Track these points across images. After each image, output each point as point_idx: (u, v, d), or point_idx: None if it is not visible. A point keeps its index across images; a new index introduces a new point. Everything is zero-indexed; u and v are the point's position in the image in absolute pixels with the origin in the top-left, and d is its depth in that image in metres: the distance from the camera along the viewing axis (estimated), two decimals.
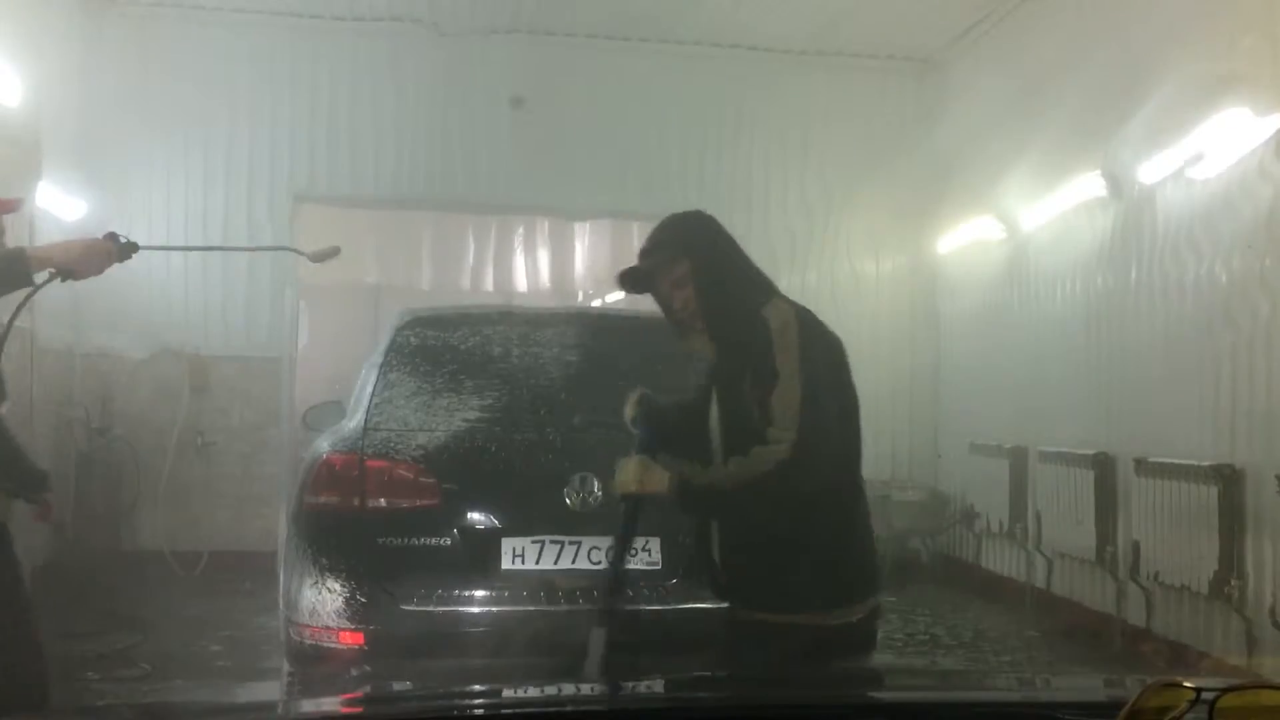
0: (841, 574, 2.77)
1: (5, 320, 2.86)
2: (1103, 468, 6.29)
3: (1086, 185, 6.68)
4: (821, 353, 2.79)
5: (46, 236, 6.24)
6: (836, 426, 2.83)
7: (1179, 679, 1.11)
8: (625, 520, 2.90)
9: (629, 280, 2.92)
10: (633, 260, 2.94)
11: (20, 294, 2.85)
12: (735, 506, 2.72)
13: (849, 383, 2.95)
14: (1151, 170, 6.06)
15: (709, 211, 2.98)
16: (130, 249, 2.98)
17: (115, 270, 2.93)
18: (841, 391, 2.91)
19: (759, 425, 2.63)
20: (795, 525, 2.70)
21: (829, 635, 2.64)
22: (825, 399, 2.75)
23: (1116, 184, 6.42)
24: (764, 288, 2.87)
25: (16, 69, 4.92)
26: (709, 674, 3.41)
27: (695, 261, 2.80)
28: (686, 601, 3.87)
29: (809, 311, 2.80)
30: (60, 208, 7.02)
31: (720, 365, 2.84)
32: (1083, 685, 2.10)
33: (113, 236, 2.96)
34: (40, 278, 2.87)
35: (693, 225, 2.92)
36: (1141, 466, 5.88)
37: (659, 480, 2.79)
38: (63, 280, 2.88)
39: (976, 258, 8.38)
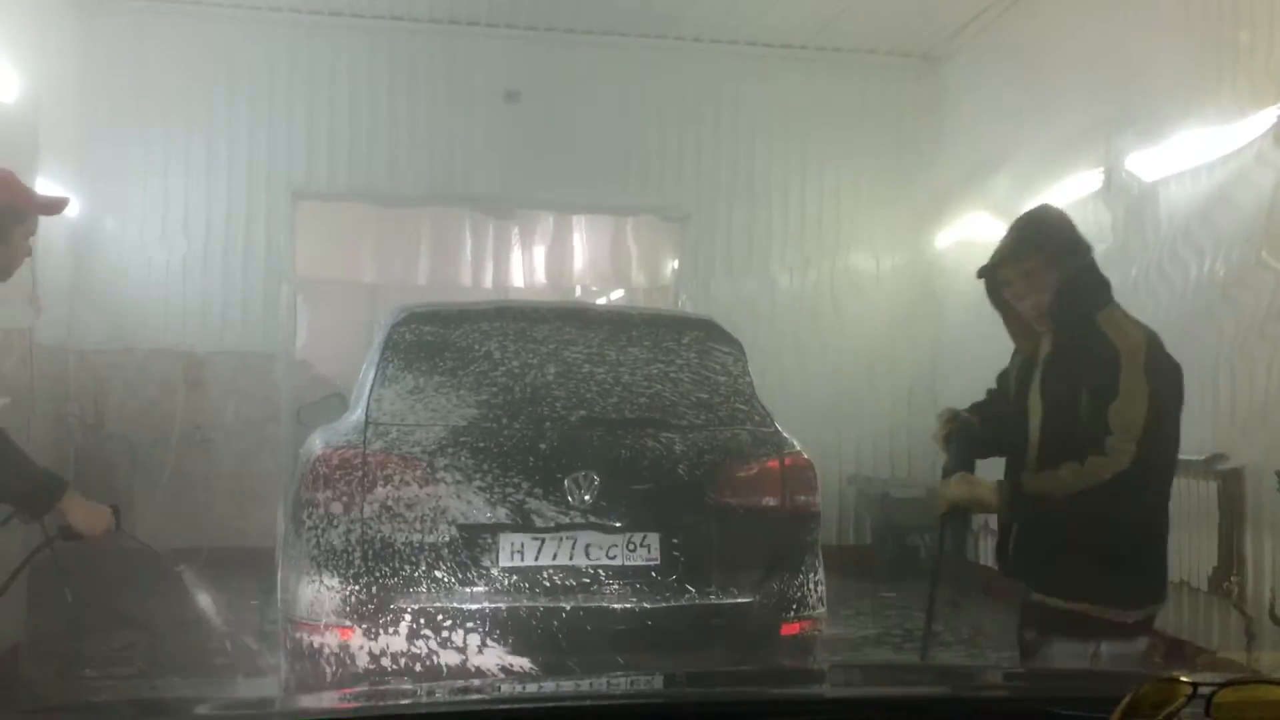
0: (1144, 577, 2.87)
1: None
2: None
3: (1086, 180, 6.68)
4: (1168, 374, 2.85)
5: (45, 233, 6.23)
6: (1173, 445, 2.86)
7: (1176, 674, 1.11)
8: (945, 539, 3.17)
9: (987, 275, 2.99)
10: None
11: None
12: (1059, 511, 2.78)
13: (1179, 406, 2.92)
14: (1151, 165, 6.06)
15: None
16: (118, 518, 3.00)
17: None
18: (1176, 413, 2.90)
19: (1094, 434, 2.70)
20: (1112, 528, 2.76)
21: (1122, 631, 2.78)
22: (1166, 418, 2.80)
23: (1116, 179, 6.42)
24: (1107, 294, 2.93)
25: (14, 65, 4.91)
26: (706, 670, 3.41)
27: (1058, 264, 2.86)
28: (685, 598, 3.87)
29: (1154, 332, 2.89)
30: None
31: (1054, 369, 2.88)
32: (1080, 681, 2.10)
33: (115, 511, 2.99)
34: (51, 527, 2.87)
35: (1056, 227, 2.96)
36: None
37: (987, 493, 2.87)
38: (65, 539, 2.88)
39: (977, 254, 8.34)
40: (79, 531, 2.89)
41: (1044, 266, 2.87)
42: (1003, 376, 3.22)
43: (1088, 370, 2.77)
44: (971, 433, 3.06)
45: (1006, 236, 2.99)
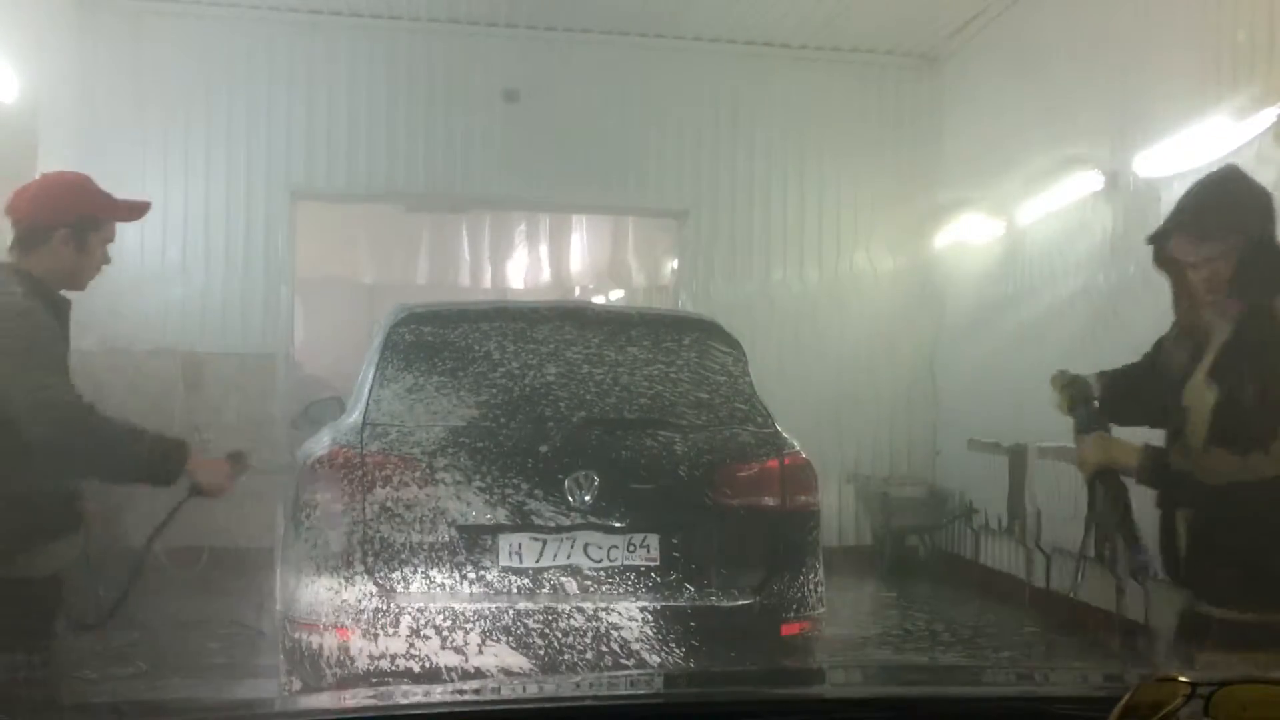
0: None
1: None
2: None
3: (1087, 179, 6.68)
4: None
5: None
6: None
7: (1175, 674, 1.11)
8: (1096, 505, 2.71)
9: (1157, 241, 2.70)
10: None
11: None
12: (1216, 498, 2.54)
13: None
14: (1151, 163, 6.06)
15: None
16: (245, 466, 3.02)
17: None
18: None
19: (1262, 428, 2.45)
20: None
21: None
22: None
23: (1116, 178, 6.43)
24: None
25: (13, 65, 4.92)
26: (706, 670, 3.42)
27: (1247, 240, 2.56)
28: (684, 598, 3.87)
29: None
30: None
31: (1231, 352, 2.58)
32: (1080, 680, 2.10)
33: (236, 456, 2.99)
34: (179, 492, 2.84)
35: (1247, 197, 2.65)
36: None
37: (1128, 453, 2.63)
38: (190, 496, 2.86)
39: (976, 253, 8.38)
40: (207, 490, 2.86)
41: (1225, 234, 2.56)
42: (1157, 347, 2.89)
43: (1262, 353, 2.49)
44: (1089, 394, 2.84)
45: (1186, 197, 2.69)
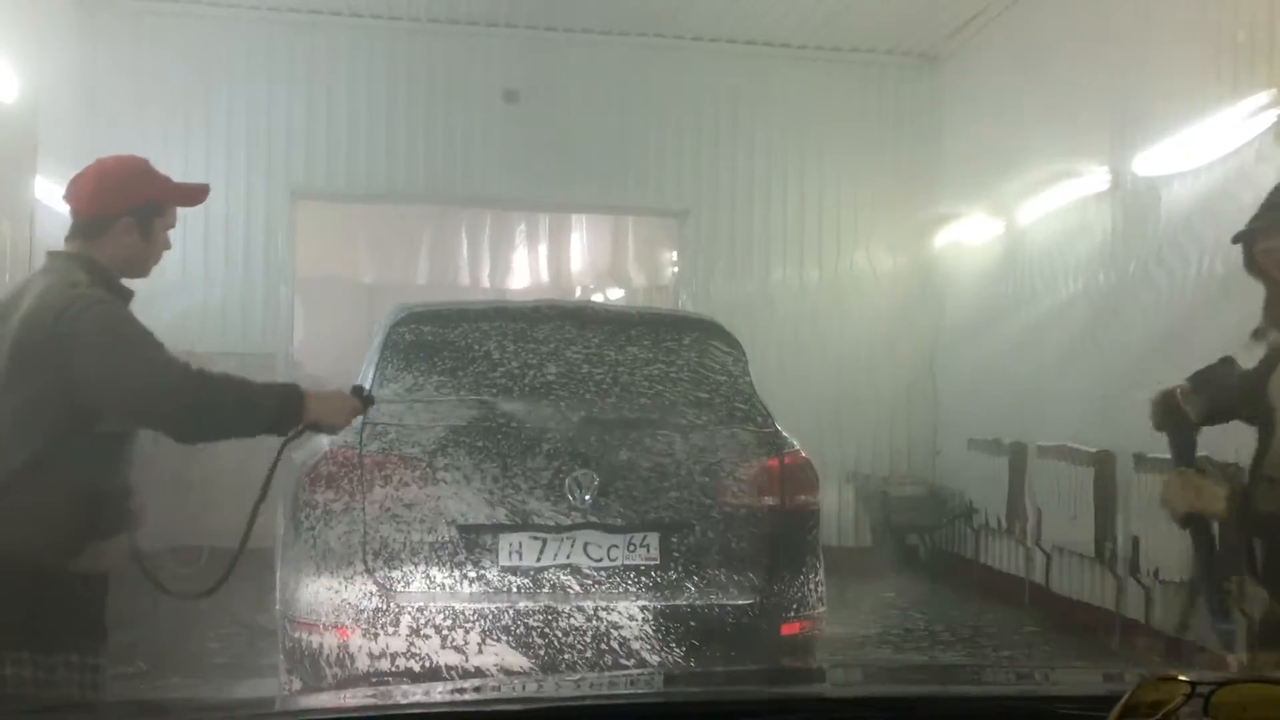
0: None
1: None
2: (1103, 464, 6.28)
3: (1087, 179, 6.69)
4: None
5: (46, 231, 6.23)
6: None
7: (1174, 673, 1.11)
8: (1200, 549, 2.58)
9: (1245, 240, 2.63)
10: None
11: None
12: None
13: None
14: (1152, 163, 6.07)
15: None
16: (370, 401, 2.92)
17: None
18: None
19: None
20: None
21: None
22: None
23: (1117, 177, 6.43)
24: None
25: (13, 64, 4.92)
26: (706, 669, 3.41)
27: None
28: (684, 597, 3.88)
29: None
30: (59, 203, 7.02)
31: None
32: (1080, 679, 2.10)
33: (358, 391, 2.87)
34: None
35: None
36: (1141, 462, 5.87)
37: (1214, 499, 2.51)
38: (306, 431, 2.74)
39: (976, 253, 8.38)
40: (326, 426, 2.75)
41: None
42: (1254, 342, 2.78)
43: None
44: (1186, 419, 2.69)
45: (1275, 193, 2.62)
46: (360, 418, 3.86)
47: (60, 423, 2.43)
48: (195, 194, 2.83)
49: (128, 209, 2.63)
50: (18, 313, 2.51)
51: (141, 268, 2.76)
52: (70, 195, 2.68)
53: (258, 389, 2.64)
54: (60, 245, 2.76)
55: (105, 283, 2.59)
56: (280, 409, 2.63)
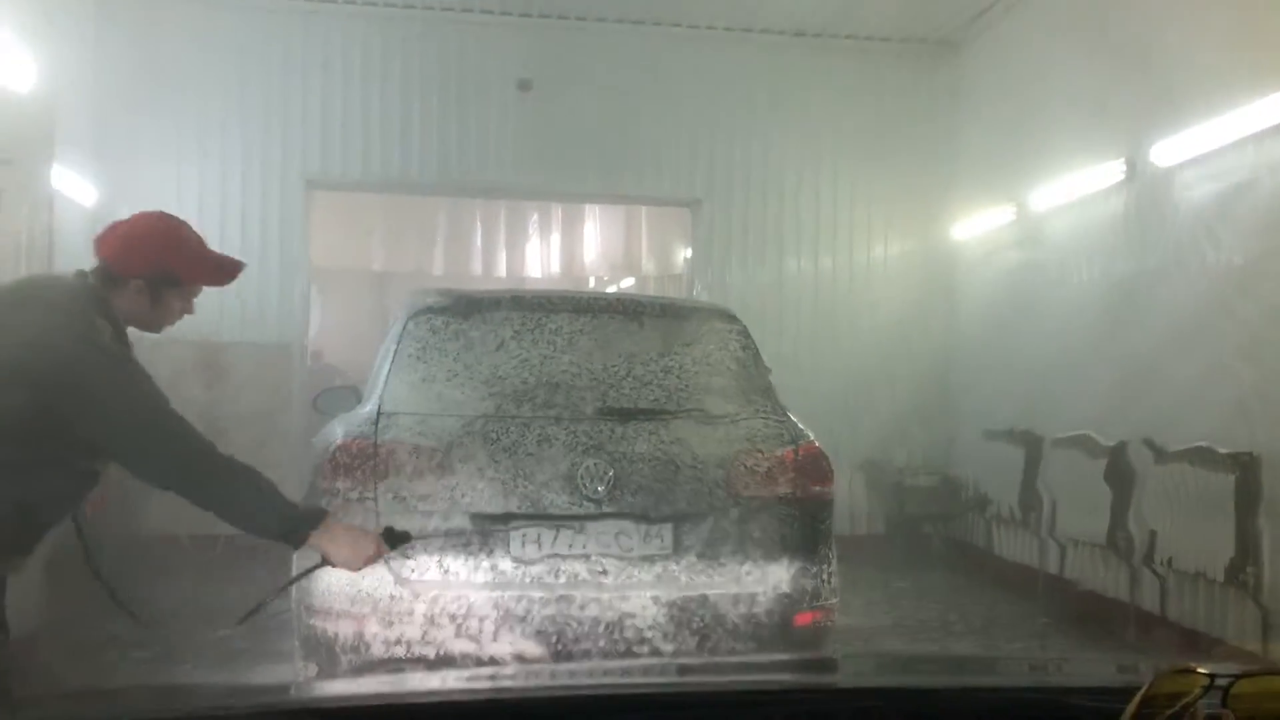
0: None
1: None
2: (1119, 454, 6.25)
3: (1105, 168, 6.64)
4: None
5: (63, 219, 6.25)
6: None
7: (1192, 665, 1.10)
8: None
9: None
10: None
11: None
12: None
13: None
14: (1170, 152, 6.02)
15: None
16: (404, 539, 2.74)
17: None
18: None
19: None
20: None
21: None
22: None
23: (1137, 166, 6.38)
24: None
25: (30, 51, 4.93)
26: (717, 659, 3.42)
27: None
28: (697, 587, 3.88)
29: None
30: (74, 191, 7.06)
31: None
32: (1095, 671, 2.09)
33: (390, 533, 2.73)
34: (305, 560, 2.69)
35: None
36: (1157, 453, 5.84)
37: None
38: (321, 565, 2.70)
39: (993, 242, 8.34)
40: (339, 564, 2.68)
41: None
42: None
43: None
44: None
45: None
46: (375, 409, 3.89)
47: (33, 441, 2.40)
48: (221, 274, 2.77)
49: (142, 274, 2.59)
50: (34, 318, 2.49)
51: (151, 328, 2.72)
52: (99, 238, 2.64)
53: (279, 502, 2.59)
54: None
55: (120, 335, 2.56)
56: (288, 531, 2.60)
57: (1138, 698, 1.07)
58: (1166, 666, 1.11)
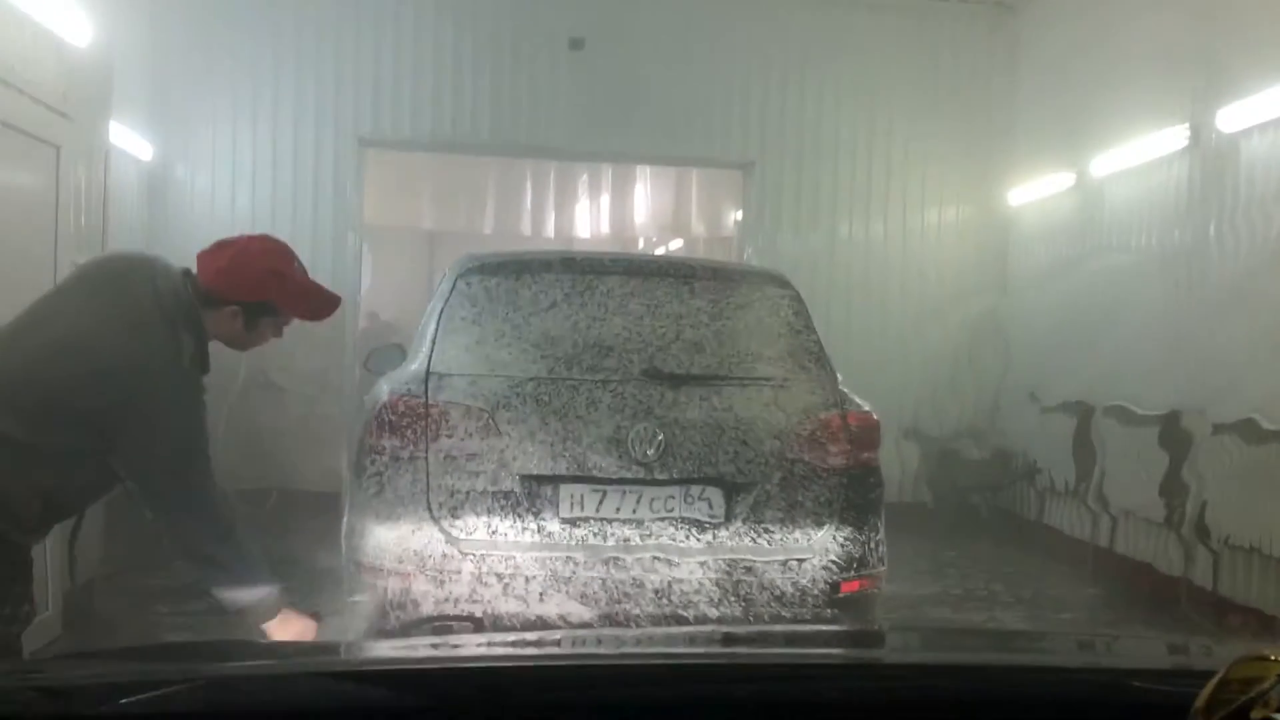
0: None
1: None
2: (1173, 425, 6.14)
3: (1165, 134, 6.46)
4: None
5: (119, 174, 6.31)
6: None
7: (1267, 652, 1.06)
8: None
9: None
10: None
11: None
12: None
13: None
14: (1233, 119, 5.84)
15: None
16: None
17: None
18: None
19: None
20: None
21: None
22: None
23: (1198, 133, 6.20)
24: None
25: (88, 13, 4.97)
26: (762, 628, 3.40)
27: None
28: (744, 553, 3.87)
29: None
30: (131, 146, 7.14)
31: None
32: (1147, 651, 2.05)
33: (316, 617, 2.74)
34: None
35: None
36: (1214, 425, 5.73)
37: None
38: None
39: (1049, 208, 8.18)
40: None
41: None
42: None
43: None
44: None
45: None
46: (424, 365, 3.90)
47: (78, 429, 2.41)
48: (320, 308, 2.77)
49: (240, 301, 2.60)
50: (127, 311, 2.49)
51: (238, 348, 2.75)
52: (202, 258, 2.63)
53: (250, 569, 2.59)
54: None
55: (201, 350, 2.58)
56: (248, 605, 2.59)
57: (1212, 684, 1.04)
58: (1241, 654, 1.07)
